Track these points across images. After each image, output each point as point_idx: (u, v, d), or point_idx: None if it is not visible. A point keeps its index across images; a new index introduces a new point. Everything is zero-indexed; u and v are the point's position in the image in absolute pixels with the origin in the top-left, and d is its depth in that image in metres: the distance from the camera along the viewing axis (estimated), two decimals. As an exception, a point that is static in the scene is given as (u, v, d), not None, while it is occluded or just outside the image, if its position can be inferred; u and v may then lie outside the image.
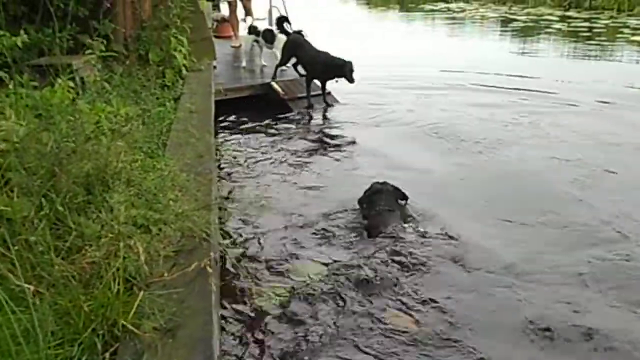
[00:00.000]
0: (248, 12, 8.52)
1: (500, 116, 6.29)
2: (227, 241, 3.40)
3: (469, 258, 3.19)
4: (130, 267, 2.08)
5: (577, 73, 8.63)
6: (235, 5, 8.97)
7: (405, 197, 3.89)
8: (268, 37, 7.33)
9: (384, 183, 3.91)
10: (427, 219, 3.70)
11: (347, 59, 6.37)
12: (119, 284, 1.95)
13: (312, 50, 6.54)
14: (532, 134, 5.75)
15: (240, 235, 3.54)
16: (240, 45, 8.69)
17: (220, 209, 3.38)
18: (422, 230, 3.47)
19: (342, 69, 6.15)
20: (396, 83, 8.07)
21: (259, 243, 3.45)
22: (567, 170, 4.69)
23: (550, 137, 5.66)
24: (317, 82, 6.64)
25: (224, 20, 9.62)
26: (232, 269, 3.11)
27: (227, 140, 5.62)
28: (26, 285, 1.84)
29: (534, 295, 2.86)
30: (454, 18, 17.59)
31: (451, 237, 3.43)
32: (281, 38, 7.10)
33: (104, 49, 4.61)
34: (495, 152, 5.16)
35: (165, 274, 2.13)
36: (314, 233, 3.53)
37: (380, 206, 3.69)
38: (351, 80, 6.21)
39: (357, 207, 3.78)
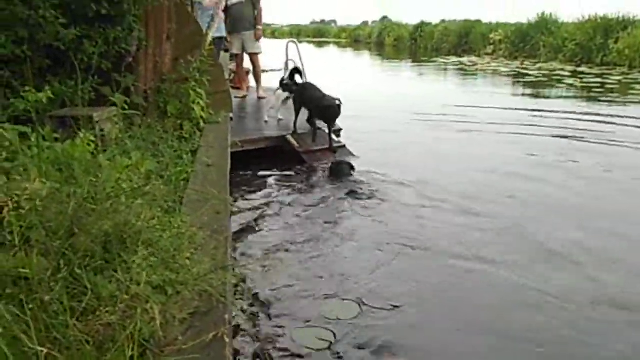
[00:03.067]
0: (255, 66, 8.80)
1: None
2: (243, 302, 3.35)
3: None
4: (144, 331, 2.01)
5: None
6: (242, 59, 9.16)
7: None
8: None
9: None
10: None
11: (336, 98, 6.47)
12: (133, 349, 1.88)
13: (312, 90, 6.65)
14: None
15: (256, 296, 3.48)
16: (245, 96, 8.95)
17: (233, 269, 3.29)
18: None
19: (327, 110, 6.22)
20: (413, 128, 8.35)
21: (274, 302, 3.40)
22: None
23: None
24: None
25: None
26: (247, 329, 3.07)
27: (242, 195, 5.53)
28: (39, 348, 1.80)
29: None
30: (464, 71, 17.72)
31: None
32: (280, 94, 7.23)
33: (126, 102, 4.65)
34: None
35: (180, 338, 2.06)
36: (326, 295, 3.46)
37: None
38: (330, 124, 6.38)
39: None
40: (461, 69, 18.94)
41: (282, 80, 7.38)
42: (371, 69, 19.19)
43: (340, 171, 5.93)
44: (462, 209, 4.93)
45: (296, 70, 7.30)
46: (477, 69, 18.67)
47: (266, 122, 7.38)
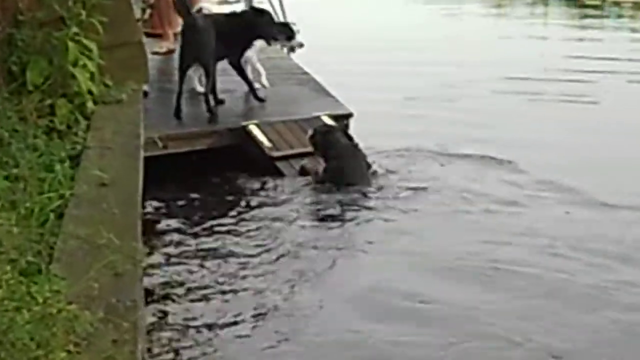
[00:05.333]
0: None
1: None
2: None
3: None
4: None
5: None
6: None
7: None
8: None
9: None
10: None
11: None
12: None
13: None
14: None
15: None
16: (169, 51, 6.59)
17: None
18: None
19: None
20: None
21: None
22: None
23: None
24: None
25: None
26: None
27: (165, 239, 4.21)
28: None
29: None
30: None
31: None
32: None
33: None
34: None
35: None
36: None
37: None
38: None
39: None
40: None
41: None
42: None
43: (350, 168, 4.54)
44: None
45: None
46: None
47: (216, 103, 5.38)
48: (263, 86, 5.50)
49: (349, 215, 4.29)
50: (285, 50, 6.20)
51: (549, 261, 3.78)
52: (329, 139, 4.54)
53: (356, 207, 4.42)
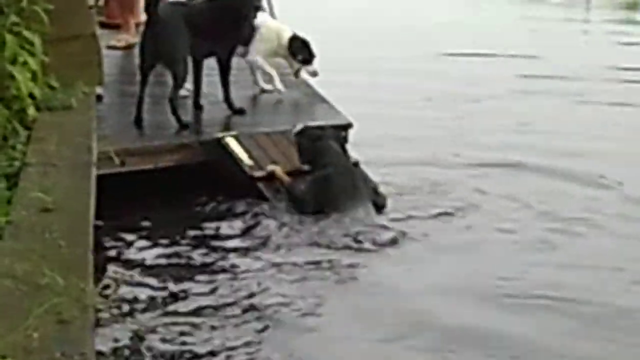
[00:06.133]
0: None
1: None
2: None
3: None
4: None
5: None
6: None
7: None
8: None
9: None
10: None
11: None
12: None
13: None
14: None
15: None
16: (129, 46, 6.01)
17: None
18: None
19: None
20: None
21: None
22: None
23: None
24: None
25: None
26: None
27: (118, 278, 3.72)
28: None
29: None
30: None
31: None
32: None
33: None
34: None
35: None
36: None
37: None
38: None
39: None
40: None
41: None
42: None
43: (340, 181, 3.98)
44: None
45: None
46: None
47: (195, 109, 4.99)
48: (278, 91, 4.87)
49: (348, 254, 3.62)
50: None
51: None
52: (318, 142, 3.95)
53: (358, 242, 3.73)
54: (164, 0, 4.72)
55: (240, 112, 4.67)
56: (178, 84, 4.48)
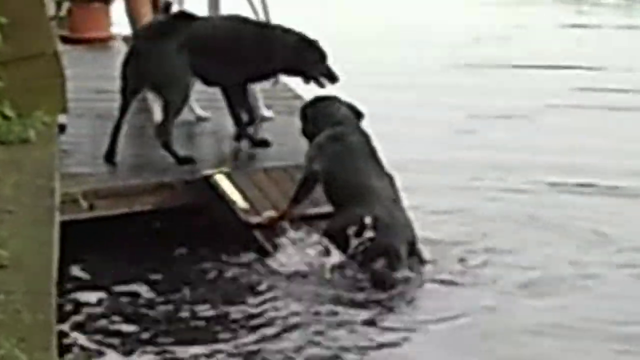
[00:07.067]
0: None
1: None
2: None
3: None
4: None
5: None
6: None
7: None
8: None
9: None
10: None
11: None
12: None
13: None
14: None
15: None
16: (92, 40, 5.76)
17: None
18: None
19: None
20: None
21: None
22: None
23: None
24: None
25: None
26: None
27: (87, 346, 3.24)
28: None
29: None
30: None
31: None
32: None
33: None
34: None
35: None
36: None
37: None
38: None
39: None
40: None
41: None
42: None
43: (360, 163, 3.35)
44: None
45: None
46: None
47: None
48: (262, 117, 4.38)
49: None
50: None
51: None
52: (330, 106, 3.37)
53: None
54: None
55: (264, 145, 4.11)
56: (172, 113, 3.95)
